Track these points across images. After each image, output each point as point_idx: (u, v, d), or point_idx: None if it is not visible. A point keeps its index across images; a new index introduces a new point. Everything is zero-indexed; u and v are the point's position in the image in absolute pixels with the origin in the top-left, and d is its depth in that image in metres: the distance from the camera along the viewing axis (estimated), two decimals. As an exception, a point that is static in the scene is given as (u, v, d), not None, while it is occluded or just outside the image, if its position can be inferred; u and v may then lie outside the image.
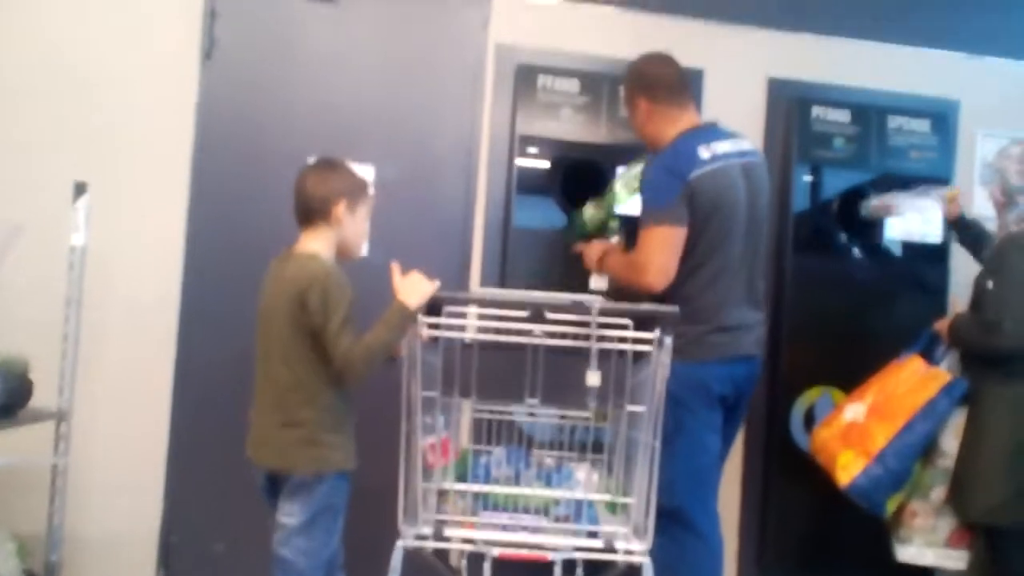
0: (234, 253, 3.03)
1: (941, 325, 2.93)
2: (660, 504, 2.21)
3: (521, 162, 3.18)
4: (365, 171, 2.88)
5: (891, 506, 2.87)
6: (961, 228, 3.17)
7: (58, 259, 2.81)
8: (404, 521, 2.16)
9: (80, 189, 2.84)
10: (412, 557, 2.17)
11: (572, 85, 3.21)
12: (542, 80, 3.20)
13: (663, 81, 2.71)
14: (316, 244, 2.26)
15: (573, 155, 3.19)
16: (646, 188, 2.66)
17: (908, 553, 2.90)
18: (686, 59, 2.77)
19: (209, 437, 2.98)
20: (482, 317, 2.20)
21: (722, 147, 2.64)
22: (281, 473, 2.20)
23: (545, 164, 3.21)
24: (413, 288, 2.17)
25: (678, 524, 2.51)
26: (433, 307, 2.19)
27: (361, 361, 2.12)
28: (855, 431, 2.80)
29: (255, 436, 2.25)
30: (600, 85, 3.21)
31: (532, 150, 3.18)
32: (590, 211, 3.00)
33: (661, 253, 2.55)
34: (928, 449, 2.81)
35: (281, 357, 2.19)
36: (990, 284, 2.74)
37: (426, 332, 2.17)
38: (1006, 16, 3.60)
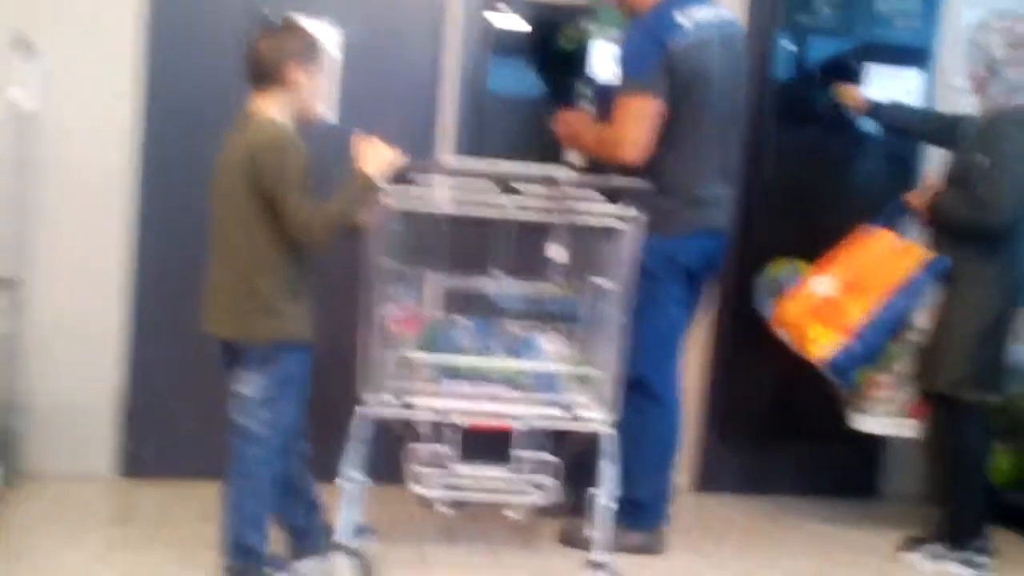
0: (192, 110, 2.89)
1: (916, 200, 2.89)
2: (624, 373, 2.22)
3: (495, 20, 3.02)
4: (325, 30, 2.73)
5: (858, 379, 2.91)
6: (879, 115, 3.11)
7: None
8: (366, 390, 2.15)
9: (19, 43, 2.66)
10: (379, 427, 2.18)
11: (548, -61, 3.02)
12: (516, -68, 3.00)
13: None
14: (271, 108, 2.16)
15: (548, 14, 3.03)
16: (625, 53, 2.62)
17: (867, 423, 2.98)
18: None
19: (169, 303, 2.90)
20: (450, 188, 2.14)
21: (701, 14, 2.58)
22: (238, 343, 2.17)
23: (522, 24, 3.05)
24: (375, 157, 2.11)
25: (640, 393, 2.53)
26: (400, 176, 2.13)
27: (320, 229, 2.07)
28: (828, 306, 2.79)
29: (210, 306, 2.20)
30: (578, -60, 3.02)
31: (504, 8, 3.02)
32: (567, 31, 2.90)
33: (635, 126, 2.51)
34: (900, 324, 2.84)
35: (238, 224, 2.12)
36: (979, 159, 2.69)
37: (391, 202, 2.10)
38: None
